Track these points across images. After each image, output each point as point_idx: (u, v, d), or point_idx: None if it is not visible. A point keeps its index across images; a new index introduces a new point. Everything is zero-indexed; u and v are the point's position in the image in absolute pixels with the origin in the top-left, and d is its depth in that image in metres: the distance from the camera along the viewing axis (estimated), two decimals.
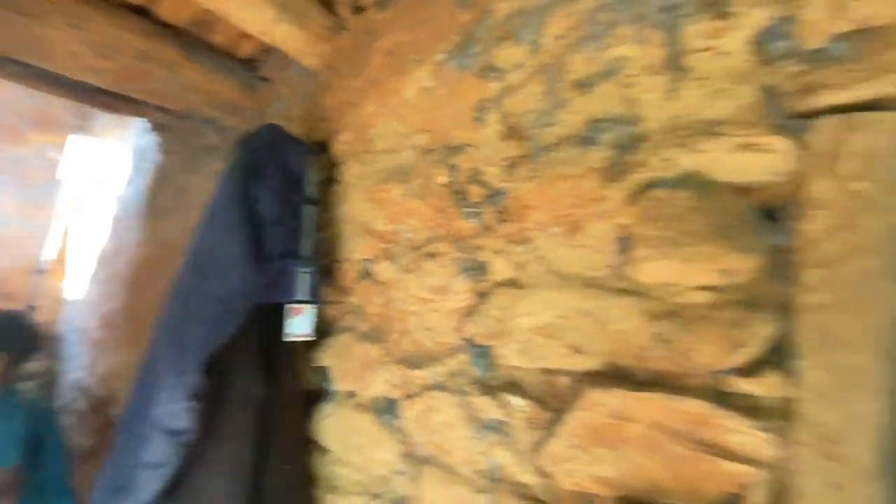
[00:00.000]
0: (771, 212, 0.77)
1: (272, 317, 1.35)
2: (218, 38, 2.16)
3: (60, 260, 3.61)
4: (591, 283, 0.91)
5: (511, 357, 1.02)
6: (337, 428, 1.48)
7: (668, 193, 0.82)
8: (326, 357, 1.52)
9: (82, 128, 3.80)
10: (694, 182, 0.81)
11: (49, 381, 3.24)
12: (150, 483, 1.25)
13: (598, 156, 0.92)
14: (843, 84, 0.71)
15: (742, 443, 0.72)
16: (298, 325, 1.35)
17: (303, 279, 1.33)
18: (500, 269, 1.05)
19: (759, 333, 0.74)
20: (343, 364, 1.46)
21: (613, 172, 0.89)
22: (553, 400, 0.95)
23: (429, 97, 1.26)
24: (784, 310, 0.73)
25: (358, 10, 1.61)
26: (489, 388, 1.04)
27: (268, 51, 2.26)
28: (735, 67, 0.79)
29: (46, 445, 1.86)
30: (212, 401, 1.29)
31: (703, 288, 0.78)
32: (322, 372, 1.54)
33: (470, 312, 1.10)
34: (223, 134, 2.47)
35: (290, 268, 1.32)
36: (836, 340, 0.69)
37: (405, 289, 1.25)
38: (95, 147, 3.74)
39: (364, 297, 1.39)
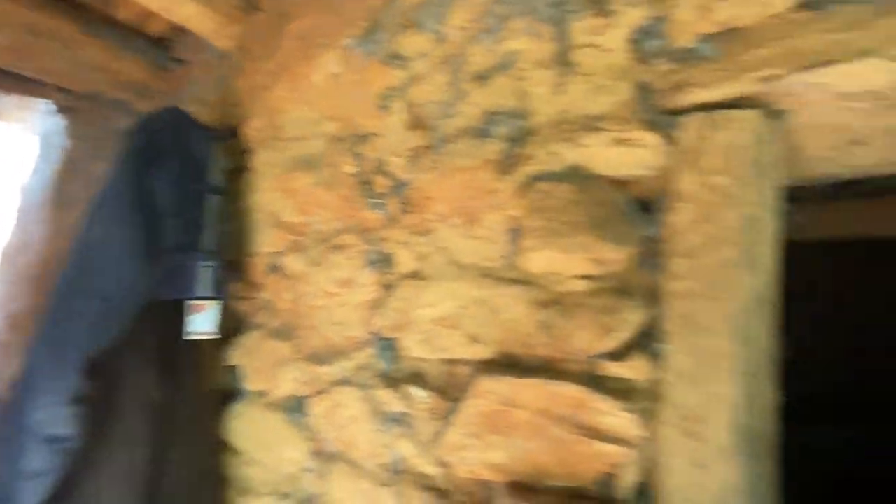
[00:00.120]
0: (645, 204, 0.80)
1: (172, 315, 1.27)
2: (122, 14, 1.99)
3: None
4: (486, 273, 0.92)
5: (414, 349, 1.01)
6: (248, 428, 1.43)
7: (553, 186, 0.84)
8: (237, 356, 1.45)
9: None
10: (576, 175, 0.83)
11: None
12: (32, 494, 1.14)
13: (492, 148, 0.92)
14: (707, 83, 0.75)
15: (613, 425, 0.75)
16: (201, 322, 1.28)
17: (204, 274, 1.26)
18: (405, 260, 1.04)
19: (630, 320, 0.77)
20: (254, 363, 1.40)
21: (506, 165, 0.90)
22: (454, 390, 0.96)
23: (337, 83, 1.22)
24: (653, 297, 0.77)
25: None
26: (393, 381, 1.03)
27: (181, 30, 2.11)
28: (615, 64, 0.82)
29: None
30: (102, 405, 1.20)
31: (582, 277, 0.80)
32: (233, 371, 1.47)
33: (376, 305, 1.08)
34: (136, 117, 2.29)
35: (190, 262, 1.25)
36: (697, 326, 0.74)
37: (314, 283, 1.22)
38: None
39: (274, 293, 1.34)
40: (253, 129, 1.49)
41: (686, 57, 0.77)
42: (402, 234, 1.03)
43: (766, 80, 0.71)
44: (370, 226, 1.09)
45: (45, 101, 2.69)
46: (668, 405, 0.75)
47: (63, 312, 1.16)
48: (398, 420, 1.02)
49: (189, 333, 1.27)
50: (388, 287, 1.06)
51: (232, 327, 1.48)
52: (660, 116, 0.78)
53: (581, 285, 0.81)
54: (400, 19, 1.11)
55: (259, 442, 1.39)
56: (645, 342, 0.77)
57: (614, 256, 0.79)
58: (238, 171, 1.52)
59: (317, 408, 1.20)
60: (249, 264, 1.42)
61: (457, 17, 1.02)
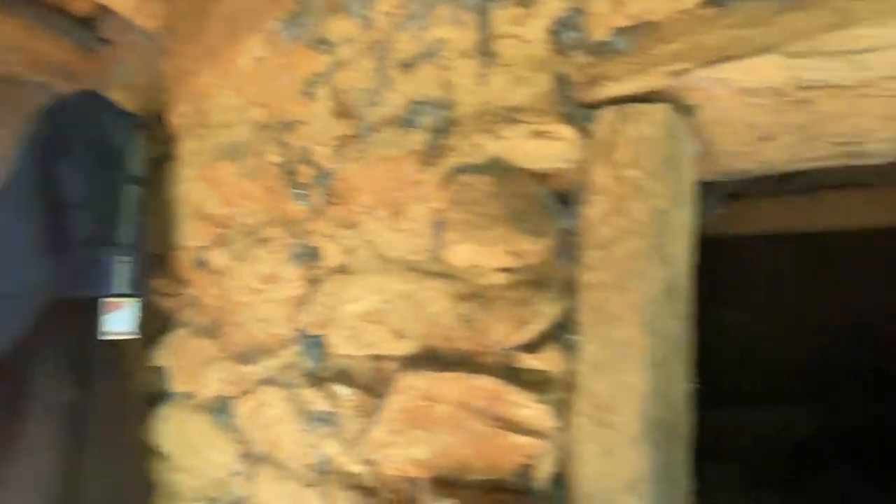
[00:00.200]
0: (563, 197, 0.80)
1: (85, 314, 1.18)
2: None
3: None
4: (412, 267, 0.90)
5: (341, 345, 0.98)
6: (174, 432, 1.36)
7: (474, 178, 0.83)
8: (163, 356, 1.38)
9: None
10: (497, 168, 0.82)
11: None
12: None
13: (417, 138, 0.90)
14: (620, 76, 0.76)
15: (528, 416, 0.76)
16: (117, 321, 1.20)
17: (120, 270, 1.18)
18: (331, 254, 1.00)
19: (545, 312, 0.77)
20: (180, 363, 1.33)
21: (430, 156, 0.88)
22: (380, 387, 0.94)
23: (262, 68, 1.17)
24: (570, 289, 0.77)
25: None
26: (319, 380, 1.00)
27: (105, 9, 1.97)
28: (535, 55, 0.81)
29: None
30: (6, 409, 1.11)
31: (501, 269, 0.80)
32: (159, 372, 1.40)
33: (302, 301, 1.04)
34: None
35: (104, 257, 1.17)
36: (608, 316, 0.75)
37: (238, 278, 1.16)
38: None
39: (200, 289, 1.28)
40: (178, 116, 1.41)
41: (601, 50, 0.77)
42: (328, 227, 1.00)
43: (674, 74, 0.72)
44: (295, 218, 1.05)
45: None
46: (581, 395, 0.76)
47: None
48: (324, 419, 0.99)
49: (104, 333, 1.19)
50: (313, 282, 1.02)
51: (157, 326, 1.40)
52: (577, 109, 0.78)
53: (500, 278, 0.80)
54: (326, 2, 1.06)
55: (186, 446, 1.33)
56: (560, 334, 0.77)
57: (532, 249, 0.78)
58: (162, 160, 1.43)
59: (243, 409, 1.16)
60: (174, 259, 1.34)
61: (383, 2, 0.99)
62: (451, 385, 0.81)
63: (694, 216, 0.89)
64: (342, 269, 0.98)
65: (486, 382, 0.77)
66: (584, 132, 0.78)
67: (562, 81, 0.80)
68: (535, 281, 0.79)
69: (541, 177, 0.82)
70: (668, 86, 0.73)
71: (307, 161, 1.04)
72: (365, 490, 0.95)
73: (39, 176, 1.14)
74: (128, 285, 1.19)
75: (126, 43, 1.96)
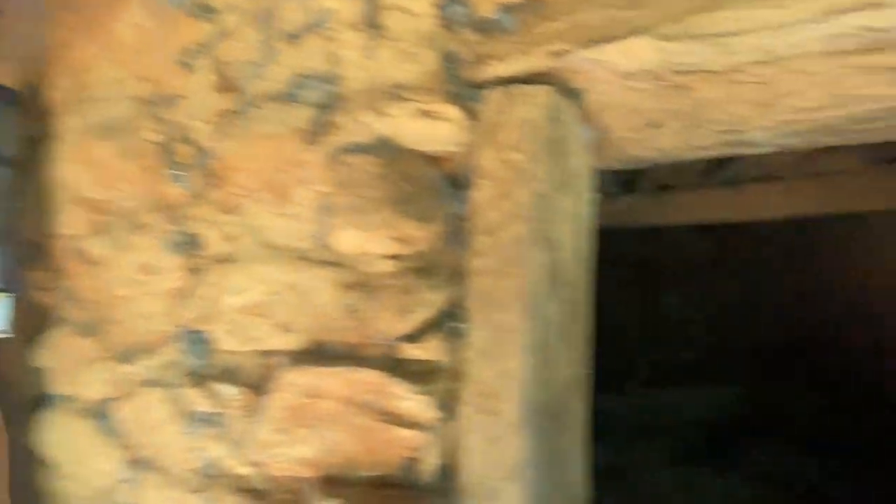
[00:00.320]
0: (455, 181, 0.78)
1: None
2: None
3: None
4: (298, 255, 0.84)
5: (225, 341, 0.91)
6: (59, 438, 1.23)
7: (360, 159, 0.78)
8: (43, 356, 1.24)
9: None
10: (385, 148, 0.78)
11: None
12: None
13: (301, 115, 0.84)
14: (505, 56, 0.73)
15: (410, 409, 0.73)
16: None
17: None
18: (213, 241, 0.93)
19: (432, 300, 0.74)
20: (61, 363, 1.20)
21: (314, 134, 0.83)
22: (267, 384, 0.88)
23: (143, 38, 1.06)
24: (459, 276, 0.75)
25: None
26: (203, 378, 0.93)
27: None
28: (422, 30, 0.77)
29: None
30: None
31: (388, 256, 0.76)
32: (40, 374, 1.26)
33: (183, 294, 0.96)
34: None
35: None
36: (494, 302, 0.73)
37: (117, 269, 1.06)
38: None
39: (79, 282, 1.15)
40: (57, 90, 1.26)
41: (488, 27, 0.75)
42: (209, 212, 0.92)
43: (556, 55, 0.71)
44: (173, 202, 0.96)
45: None
46: (469, 384, 0.74)
47: None
48: (209, 420, 0.92)
49: None
50: (194, 272, 0.94)
51: (35, 323, 1.26)
52: (465, 89, 0.75)
53: (387, 265, 0.76)
54: None
55: (71, 453, 1.21)
56: (449, 322, 0.75)
57: (420, 235, 0.75)
58: (40, 139, 1.28)
59: (125, 412, 1.06)
60: (51, 249, 1.21)
61: None
62: (334, 380, 0.76)
63: (585, 202, 0.89)
64: (224, 258, 0.91)
65: (369, 376, 0.74)
66: (472, 113, 0.75)
67: (450, 59, 0.76)
68: (422, 268, 0.76)
69: (432, 159, 0.78)
70: (551, 67, 0.72)
71: (186, 140, 0.95)
72: (255, 493, 0.90)
73: None
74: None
75: (15, 10, 1.74)
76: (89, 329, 1.15)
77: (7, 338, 1.25)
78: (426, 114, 0.75)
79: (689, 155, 1.05)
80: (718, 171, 2.34)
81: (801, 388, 3.42)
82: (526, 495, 0.69)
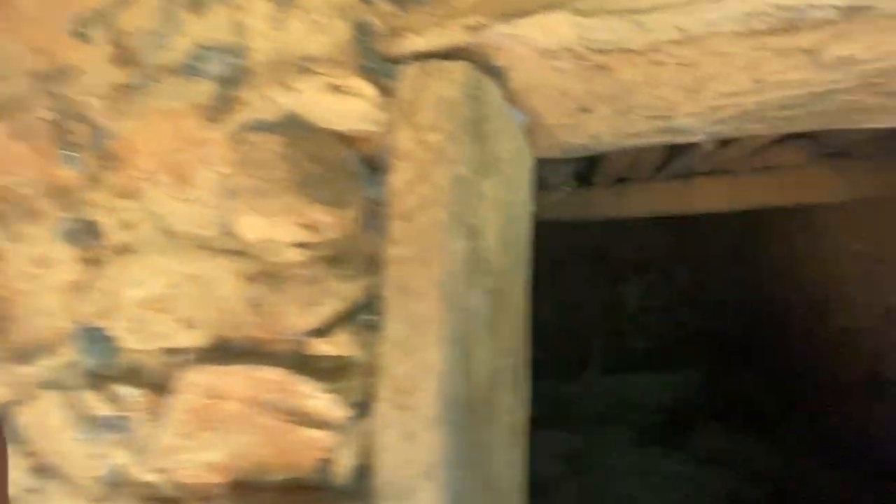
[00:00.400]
0: (373, 163, 0.73)
1: None
2: None
3: None
4: (201, 244, 0.77)
5: (126, 338, 0.83)
6: None
7: (265, 138, 0.72)
8: None
9: None
10: (293, 126, 0.72)
11: None
12: None
13: (202, 90, 0.77)
14: (421, 29, 0.69)
15: (318, 407, 0.68)
16: None
17: None
18: (110, 229, 0.84)
19: (342, 291, 0.70)
20: None
21: (217, 111, 0.75)
22: (171, 385, 0.81)
23: (40, 6, 0.95)
24: (376, 265, 0.70)
25: None
26: (102, 379, 0.85)
27: None
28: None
29: None
30: None
31: (295, 245, 0.71)
32: None
33: (80, 287, 0.87)
34: None
35: None
36: (411, 292, 0.69)
37: (15, 261, 0.95)
38: None
39: None
40: None
41: None
42: (106, 197, 0.83)
43: (472, 29, 0.67)
44: (68, 187, 0.87)
45: None
46: (384, 379, 0.69)
47: None
48: (112, 425, 0.84)
49: None
50: (92, 264, 0.85)
51: None
52: (380, 64, 0.70)
53: (295, 254, 0.71)
54: None
55: None
56: (364, 314, 0.70)
57: (330, 221, 0.70)
58: None
59: (27, 416, 0.96)
60: None
61: None
62: (236, 379, 0.70)
63: (516, 189, 0.86)
64: (124, 248, 0.82)
65: (273, 374, 0.68)
66: (388, 90, 0.70)
67: (363, 31, 0.71)
68: (333, 257, 0.70)
69: (345, 139, 0.73)
70: (468, 42, 0.68)
71: (81, 117, 0.85)
72: (164, 501, 0.83)
73: None
74: None
75: None
76: None
77: None
78: (337, 89, 0.70)
79: (623, 143, 1.04)
80: (671, 164, 2.39)
81: (751, 373, 3.58)
82: (443, 494, 0.66)
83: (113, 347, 0.86)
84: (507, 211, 0.82)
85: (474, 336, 0.72)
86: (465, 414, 0.70)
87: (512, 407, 0.88)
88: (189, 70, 0.77)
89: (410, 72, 0.69)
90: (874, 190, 2.24)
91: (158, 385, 0.82)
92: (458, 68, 0.68)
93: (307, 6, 0.73)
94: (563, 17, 0.62)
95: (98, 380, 0.85)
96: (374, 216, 0.71)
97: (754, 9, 0.57)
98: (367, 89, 0.69)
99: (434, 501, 0.65)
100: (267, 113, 0.72)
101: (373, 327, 0.70)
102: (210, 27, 0.78)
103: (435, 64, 0.68)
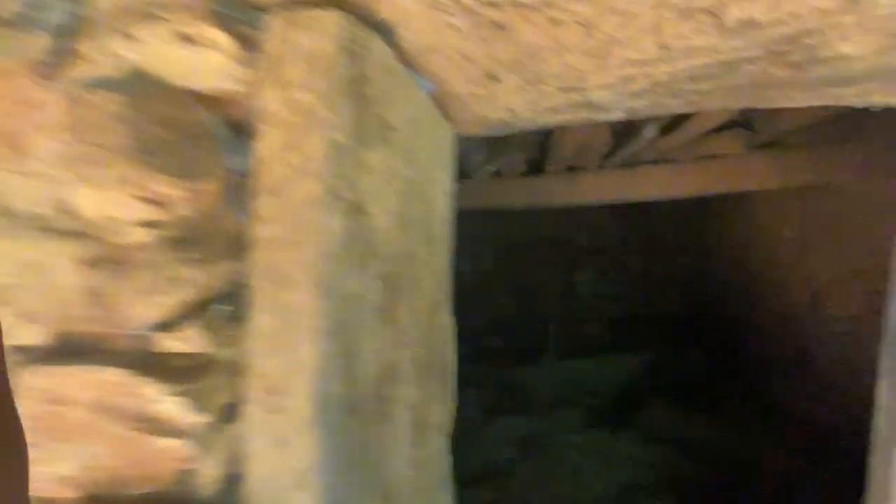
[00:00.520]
0: (238, 128, 0.63)
1: None
2: None
3: None
4: (39, 225, 0.65)
5: None
6: None
7: (104, 97, 0.61)
8: None
9: None
10: (141, 84, 0.61)
11: None
12: None
13: (37, 43, 0.64)
14: None
15: (168, 413, 0.59)
16: None
17: None
18: None
19: (196, 277, 0.60)
20: None
21: (52, 67, 0.63)
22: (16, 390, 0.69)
23: None
24: (241, 247, 0.61)
25: None
26: None
27: None
28: None
29: None
30: None
31: (141, 224, 0.60)
32: None
33: None
34: None
35: None
36: (281, 279, 0.60)
37: None
38: None
39: None
40: None
41: None
42: None
43: None
44: None
45: None
46: (252, 378, 0.61)
47: None
48: None
49: None
50: None
51: None
52: (239, 11, 0.60)
53: (142, 235, 0.60)
54: None
55: None
56: (222, 304, 0.61)
57: (181, 195, 0.60)
58: None
59: None
60: None
61: None
62: (79, 381, 0.60)
63: (418, 163, 0.79)
64: None
65: (115, 375, 0.59)
66: (252, 43, 0.61)
67: None
68: (183, 238, 0.61)
69: (207, 101, 0.63)
70: None
71: None
72: None
73: None
74: None
75: None
76: None
77: None
78: (188, 39, 0.59)
79: (544, 119, 0.98)
80: (617, 152, 2.41)
81: (695, 354, 3.72)
82: (319, 503, 0.58)
83: None
84: (405, 187, 0.75)
85: (360, 326, 0.64)
86: (346, 414, 0.62)
87: (418, 401, 0.81)
88: (24, 20, 0.64)
89: (277, 22, 0.60)
90: (803, 179, 2.32)
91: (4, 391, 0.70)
92: (331, 18, 0.59)
93: None
94: None
95: None
96: (239, 191, 0.62)
97: None
98: (223, 40, 0.59)
99: None
100: (108, 68, 0.61)
101: (237, 319, 0.61)
102: None
103: (305, 13, 0.59)
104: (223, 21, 0.59)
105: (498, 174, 2.69)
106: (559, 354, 4.21)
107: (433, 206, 0.88)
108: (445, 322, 1.00)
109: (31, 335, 0.67)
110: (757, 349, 3.11)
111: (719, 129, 2.10)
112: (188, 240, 0.59)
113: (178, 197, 0.59)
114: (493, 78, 0.79)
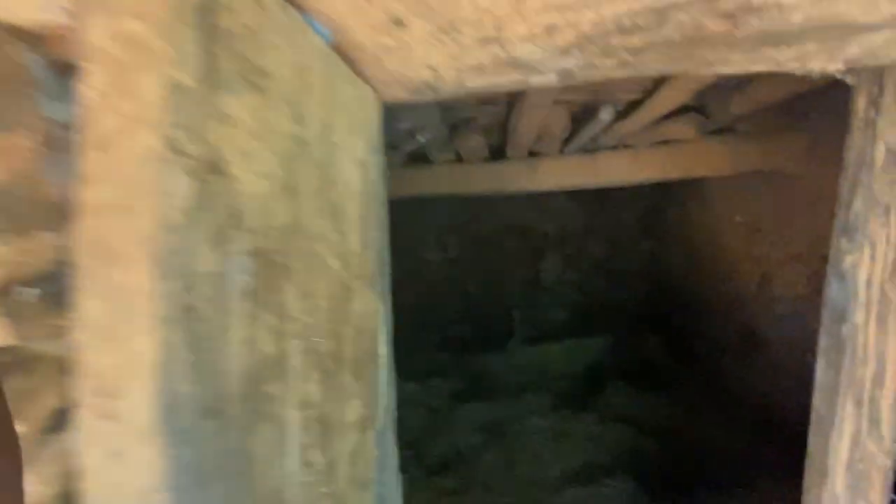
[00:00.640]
0: (58, 68, 0.51)
1: None
2: None
3: None
4: None
5: None
6: None
7: None
8: None
9: None
10: None
11: None
12: None
13: None
14: None
15: None
16: None
17: None
18: None
19: (13, 254, 0.48)
20: None
21: None
22: None
23: None
24: (62, 216, 0.49)
25: None
26: None
27: None
28: None
29: None
30: None
31: None
32: None
33: None
34: None
35: None
36: (112, 254, 0.49)
37: None
38: None
39: None
40: None
41: None
42: None
43: None
44: None
45: None
46: (83, 378, 0.49)
47: None
48: None
49: None
50: None
51: None
52: None
53: None
54: None
55: None
56: (45, 285, 0.49)
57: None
58: None
59: None
60: None
61: None
62: None
63: (306, 119, 0.67)
64: None
65: None
66: None
67: None
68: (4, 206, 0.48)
69: (22, 34, 0.50)
70: None
71: None
72: None
73: None
74: None
75: None
76: None
77: None
78: None
79: (472, 82, 0.88)
80: (575, 138, 2.40)
81: (654, 337, 3.77)
82: None
83: None
84: (292, 149, 0.63)
85: (221, 313, 0.53)
86: (204, 418, 0.52)
87: (319, 398, 0.71)
88: None
89: None
90: (752, 164, 2.34)
91: None
92: None
93: None
94: None
95: None
96: (62, 146, 0.49)
97: None
98: None
99: None
100: None
101: (61, 305, 0.49)
102: None
103: None
104: None
105: (459, 160, 2.63)
106: (525, 341, 4.22)
107: (339, 176, 0.77)
108: (368, 309, 0.90)
109: None
110: (710, 331, 3.16)
111: (673, 114, 2.09)
112: (6, 208, 0.47)
113: None
114: (399, 23, 0.68)
